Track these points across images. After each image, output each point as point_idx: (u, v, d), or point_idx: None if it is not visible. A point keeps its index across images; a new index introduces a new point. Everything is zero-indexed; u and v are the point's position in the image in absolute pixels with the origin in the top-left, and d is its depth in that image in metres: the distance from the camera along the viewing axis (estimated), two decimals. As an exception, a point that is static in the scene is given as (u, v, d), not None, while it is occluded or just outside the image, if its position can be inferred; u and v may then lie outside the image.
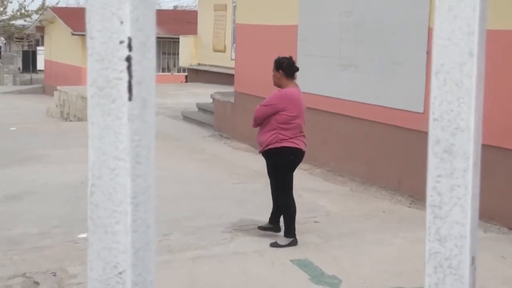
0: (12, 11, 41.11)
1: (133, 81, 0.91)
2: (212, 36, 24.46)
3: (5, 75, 41.51)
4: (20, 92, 35.58)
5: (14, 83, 40.94)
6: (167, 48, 33.68)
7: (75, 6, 47.41)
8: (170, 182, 9.61)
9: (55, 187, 9.12)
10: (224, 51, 23.50)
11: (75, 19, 32.55)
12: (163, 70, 34.08)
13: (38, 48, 45.94)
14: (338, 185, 9.80)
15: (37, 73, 42.63)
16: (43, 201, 8.37)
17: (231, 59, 19.15)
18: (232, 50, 20.13)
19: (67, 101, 22.56)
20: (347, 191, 9.46)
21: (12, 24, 42.67)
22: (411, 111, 8.84)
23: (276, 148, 6.74)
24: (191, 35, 26.36)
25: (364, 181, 9.77)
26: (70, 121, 21.50)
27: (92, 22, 0.92)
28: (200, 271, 6.22)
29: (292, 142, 6.72)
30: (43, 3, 28.30)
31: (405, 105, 8.98)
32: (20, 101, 30.12)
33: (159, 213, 7.77)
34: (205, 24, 25.16)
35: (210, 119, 14.59)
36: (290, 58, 6.97)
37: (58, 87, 24.46)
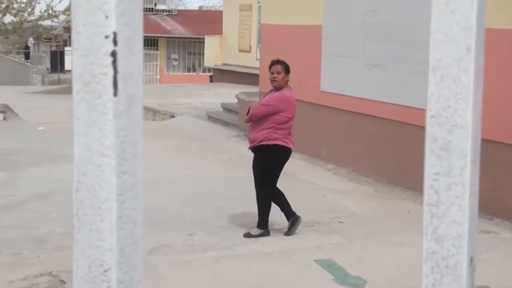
0: (40, 12, 41.52)
1: (119, 76, 0.89)
2: (237, 36, 24.48)
3: (34, 75, 41.94)
4: (49, 92, 35.88)
5: (43, 83, 41.35)
6: (192, 48, 33.76)
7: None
8: (195, 181, 9.63)
9: (81, 186, 9.16)
10: (249, 51, 23.50)
11: (102, 20, 32.81)
12: (189, 70, 34.15)
13: (66, 48, 46.34)
14: (363, 185, 9.74)
15: (65, 73, 43.00)
16: (70, 200, 8.37)
17: (256, 59, 19.15)
18: (257, 50, 20.13)
19: (94, 101, 22.73)
20: (372, 191, 9.40)
21: (40, 25, 43.10)
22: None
23: (268, 145, 7.04)
24: (216, 35, 26.41)
25: (389, 182, 9.70)
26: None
27: (77, 17, 0.90)
28: (224, 271, 6.21)
29: (283, 141, 7.05)
30: (70, 4, 28.54)
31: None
32: (48, 101, 30.38)
33: (184, 213, 7.79)
34: (230, 24, 25.19)
35: (235, 119, 14.59)
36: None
37: (85, 87, 24.65)
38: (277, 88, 7.15)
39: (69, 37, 41.76)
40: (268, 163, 7.14)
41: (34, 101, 29.84)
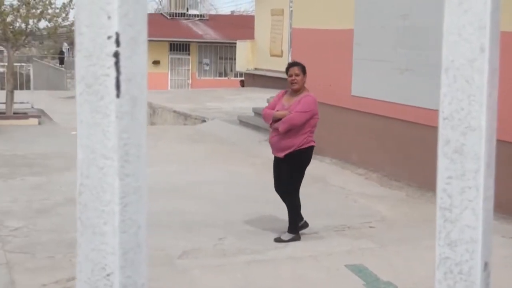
0: (74, 17, 42.02)
1: (122, 78, 0.89)
2: (269, 41, 24.51)
3: (68, 80, 42.38)
4: (82, 97, 36.29)
5: (76, 88, 41.86)
6: (224, 53, 33.87)
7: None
8: (225, 185, 9.66)
9: (113, 191, 9.24)
10: (281, 56, 23.52)
11: (134, 25, 33.09)
12: (220, 75, 34.26)
13: (99, 53, 46.80)
14: (394, 190, 9.68)
15: (98, 78, 43.48)
16: (102, 204, 8.49)
17: (288, 64, 19.16)
18: (289, 55, 20.11)
19: (127, 105, 22.90)
20: (403, 196, 9.34)
21: (74, 30, 43.68)
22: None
23: (305, 148, 7.06)
24: (248, 40, 26.48)
25: (420, 186, 9.63)
26: (130, 125, 21.83)
27: (80, 18, 0.90)
28: (255, 275, 6.22)
29: (314, 141, 7.18)
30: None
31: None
32: (82, 106, 30.71)
33: (214, 217, 7.81)
34: (262, 28, 25.23)
35: (265, 124, 14.59)
36: None
37: (118, 92, 24.86)
38: (297, 91, 7.15)
39: (103, 42, 42.22)
40: (305, 166, 7.18)
41: (68, 106, 30.13)
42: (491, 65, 0.90)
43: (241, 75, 30.65)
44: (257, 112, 15.82)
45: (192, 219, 8.00)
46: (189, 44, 33.48)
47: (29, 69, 21.29)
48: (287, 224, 7.77)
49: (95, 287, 0.91)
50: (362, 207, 8.61)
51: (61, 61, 49.95)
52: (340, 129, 11.68)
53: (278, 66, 22.94)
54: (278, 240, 7.20)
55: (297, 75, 7.12)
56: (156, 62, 32.80)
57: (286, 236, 7.24)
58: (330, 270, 6.39)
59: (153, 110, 19.91)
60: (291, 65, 7.32)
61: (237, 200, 8.86)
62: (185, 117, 17.65)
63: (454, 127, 0.92)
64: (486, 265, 0.94)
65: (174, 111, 18.48)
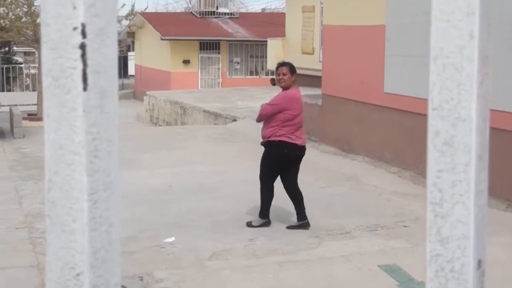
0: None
1: (89, 70, 0.87)
2: (300, 38, 24.46)
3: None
4: (112, 97, 36.55)
5: (107, 89, 42.16)
6: (254, 51, 33.88)
7: (164, 11, 48.22)
8: (256, 185, 9.65)
9: (143, 191, 9.31)
10: (312, 53, 23.45)
11: (164, 24, 33.18)
12: (251, 74, 34.26)
13: (129, 53, 47.09)
14: (428, 188, 9.61)
15: (128, 78, 43.70)
16: (132, 205, 8.56)
17: (319, 61, 19.09)
18: (320, 52, 20.06)
19: (156, 105, 23.02)
20: (438, 194, 9.27)
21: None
22: (506, 112, 8.58)
23: (274, 141, 7.58)
24: (279, 38, 26.44)
25: (455, 184, 9.53)
26: (159, 125, 21.94)
27: (46, 8, 0.88)
28: (286, 276, 6.22)
29: (288, 137, 7.55)
30: (133, 9, 29.00)
31: (499, 106, 8.72)
32: (112, 106, 30.96)
33: (245, 217, 7.82)
34: (293, 26, 25.19)
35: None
36: None
37: (148, 92, 25.00)
38: (285, 88, 7.68)
39: (132, 42, 42.44)
40: (272, 158, 7.67)
41: (98, 107, 30.42)
42: (481, 52, 0.88)
43: (272, 73, 30.59)
44: (288, 111, 15.80)
45: (223, 219, 8.02)
46: (219, 43, 33.55)
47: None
48: (318, 224, 7.78)
49: (65, 287, 0.90)
50: (395, 206, 8.56)
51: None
52: (372, 127, 11.62)
53: (310, 64, 22.87)
54: (248, 225, 7.75)
55: (284, 74, 7.65)
56: (186, 61, 32.93)
57: (257, 221, 7.78)
58: (363, 270, 6.37)
59: (183, 110, 20.00)
60: (280, 65, 7.85)
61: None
62: (216, 117, 17.69)
63: (443, 117, 0.89)
64: (479, 263, 0.91)
65: (205, 111, 18.54)
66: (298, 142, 7.63)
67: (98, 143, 0.89)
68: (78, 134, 0.88)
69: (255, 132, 14.79)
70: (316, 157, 12.00)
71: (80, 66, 0.87)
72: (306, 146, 7.87)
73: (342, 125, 12.58)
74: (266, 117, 7.67)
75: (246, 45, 33.82)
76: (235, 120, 16.71)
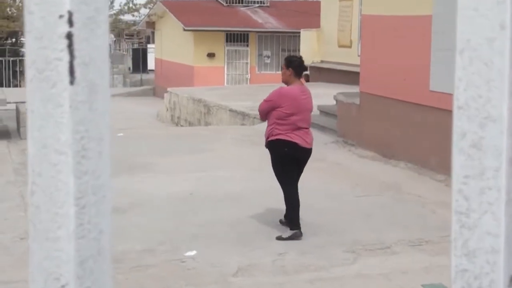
0: (120, 5, 42.52)
1: (76, 62, 0.86)
2: (337, 30, 24.42)
3: (115, 76, 42.89)
4: (129, 94, 36.76)
5: (124, 84, 42.29)
6: (286, 43, 33.85)
7: (188, -1, 48.33)
8: (287, 194, 9.65)
9: (162, 199, 9.35)
10: (350, 46, 23.41)
11: (187, 13, 33.28)
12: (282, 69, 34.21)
13: (149, 45, 47.34)
14: (479, 198, 9.53)
15: (147, 73, 43.92)
16: (149, 215, 8.60)
17: (358, 55, 19.04)
18: (359, 45, 19.99)
19: (178, 103, 23.12)
20: (490, 205, 9.18)
21: (120, 20, 44.05)
22: None
23: (272, 140, 7.80)
24: (313, 29, 26.44)
25: (509, 195, 9.44)
26: (181, 126, 22.03)
27: None
28: (318, 295, 6.20)
29: (287, 135, 7.73)
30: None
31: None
32: (129, 104, 31.10)
33: (273, 229, 7.81)
34: (329, 16, 25.16)
35: (332, 123, 14.55)
36: (300, 58, 8.21)
37: (169, 89, 25.11)
38: (285, 84, 7.94)
39: (152, 33, 42.71)
40: (275, 159, 7.88)
41: (114, 104, 30.46)
42: None
43: (305, 68, 30.53)
44: (323, 111, 15.77)
45: (250, 231, 8.02)
46: (247, 34, 33.60)
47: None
48: (355, 237, 7.75)
49: None
50: (441, 219, 8.48)
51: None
52: (416, 129, 11.54)
53: (347, 58, 22.83)
54: (279, 238, 7.72)
55: (282, 68, 8.03)
56: (210, 55, 33.00)
57: (287, 233, 7.76)
58: (404, 290, 6.32)
59: (207, 109, 20.06)
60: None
61: (301, 211, 8.84)
62: (243, 117, 17.69)
63: (470, 117, 0.88)
64: (511, 280, 0.89)
65: (231, 110, 18.56)
66: (298, 141, 7.77)
67: (86, 142, 0.88)
68: (64, 132, 0.87)
69: (286, 134, 14.81)
70: (353, 162, 11.95)
71: (66, 57, 0.87)
72: (311, 150, 8.02)
73: (382, 127, 12.52)
74: (263, 114, 7.95)
75: (277, 37, 33.82)
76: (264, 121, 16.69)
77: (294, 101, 7.75)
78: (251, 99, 20.44)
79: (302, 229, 7.86)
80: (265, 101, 7.92)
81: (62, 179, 0.88)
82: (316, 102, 17.34)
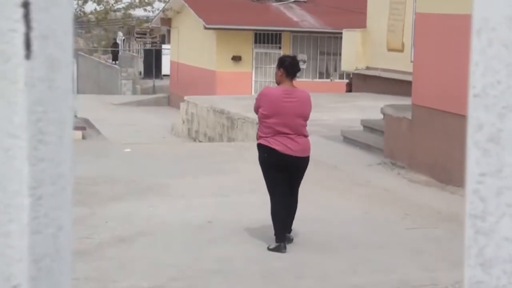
0: None
1: (34, 34, 0.85)
2: (386, 30, 24.38)
3: (123, 82, 43.10)
4: (140, 103, 36.94)
5: (134, 92, 42.52)
6: (326, 46, 33.85)
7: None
8: (323, 224, 9.62)
9: (175, 227, 9.36)
10: (401, 50, 23.35)
11: (208, 9, 33.33)
12: (320, 76, 34.22)
13: (163, 46, 47.52)
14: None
15: (161, 78, 44.09)
16: (159, 245, 8.60)
17: (411, 61, 18.99)
18: (412, 49, 19.97)
19: (196, 115, 23.18)
20: None
21: (130, 15, 44.26)
22: None
23: (257, 144, 8.61)
24: (358, 29, 26.40)
25: None
26: (199, 141, 22.08)
27: None
28: None
29: (266, 140, 8.36)
30: None
31: None
32: (140, 115, 31.29)
33: (308, 266, 7.80)
34: (377, 14, 25.14)
35: (379, 141, 14.50)
36: (294, 58, 9.08)
37: (186, 97, 25.15)
38: (278, 85, 8.65)
39: (168, 31, 42.90)
40: (261, 165, 8.63)
41: (122, 115, 30.75)
42: None
43: (348, 76, 30.50)
44: (368, 126, 15.75)
45: (277, 267, 8.00)
46: (280, 34, 33.64)
47: (72, 67, 22.02)
48: (404, 277, 7.73)
49: None
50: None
51: (115, 56, 51.05)
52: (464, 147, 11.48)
53: (398, 64, 22.77)
54: (269, 249, 8.43)
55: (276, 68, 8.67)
56: (236, 58, 33.05)
57: (272, 244, 8.46)
58: None
59: (231, 122, 20.10)
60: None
61: (337, 243, 8.82)
62: (273, 131, 17.71)
63: (488, 107, 0.87)
64: None
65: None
66: (278, 148, 8.30)
67: (45, 125, 0.88)
68: (18, 113, 0.87)
69: (326, 153, 14.79)
70: (403, 188, 11.89)
71: (22, 28, 0.86)
72: (303, 159, 8.50)
73: (438, 147, 12.45)
74: (255, 112, 8.71)
75: (315, 38, 33.83)
76: (298, 137, 16.70)
77: (272, 103, 8.35)
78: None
79: (344, 267, 7.83)
80: (256, 99, 8.74)
81: (15, 166, 0.87)
82: (359, 115, 17.41)
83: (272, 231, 8.54)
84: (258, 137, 8.53)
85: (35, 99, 0.86)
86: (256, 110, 8.60)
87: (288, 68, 8.48)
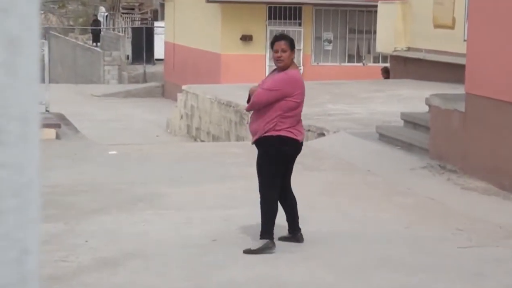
0: None
1: None
2: (433, 2, 24.35)
3: (107, 68, 43.17)
4: (128, 94, 37.04)
5: (120, 81, 42.61)
6: (357, 22, 33.85)
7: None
8: (356, 241, 9.62)
9: (173, 247, 9.35)
10: (452, 27, 23.32)
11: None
12: (350, 59, 34.22)
13: (156, 24, 47.59)
14: None
15: (154, 64, 44.17)
16: (154, 269, 8.59)
17: (464, 40, 18.96)
18: (466, 26, 19.94)
19: (197, 108, 23.20)
20: None
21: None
22: None
23: (272, 137, 9.04)
24: (397, 1, 26.39)
25: None
26: (201, 141, 22.09)
27: None
28: None
29: (289, 131, 9.09)
30: None
31: None
32: (128, 109, 31.38)
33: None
34: (420, -18, 25.10)
35: (423, 139, 14.48)
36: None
37: (184, 87, 25.16)
38: (283, 69, 9.21)
39: (162, 5, 42.96)
40: (273, 157, 9.14)
41: (105, 109, 30.82)
42: None
43: (384, 59, 30.48)
44: (409, 121, 15.72)
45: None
46: (300, 8, 33.65)
47: (43, 50, 21.77)
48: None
49: None
50: None
51: (96, 37, 51.14)
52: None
53: (447, 45, 22.72)
54: (247, 251, 9.04)
55: (283, 51, 9.15)
56: (246, 38, 33.04)
57: (257, 244, 9.08)
58: None
59: (239, 117, 20.10)
60: (277, 38, 9.44)
61: (374, 263, 8.81)
62: (292, 128, 17.70)
63: None
64: None
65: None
66: (299, 138, 9.23)
67: (4, 122, 0.87)
68: None
69: (358, 154, 14.78)
70: (454, 197, 11.87)
71: None
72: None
73: (499, 146, 12.41)
74: (261, 106, 9.11)
75: (343, 12, 33.85)
76: (323, 135, 16.70)
77: (303, 88, 9.22)
78: (305, 103, 20.42)
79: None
80: (268, 90, 9.09)
81: None
82: (398, 108, 17.42)
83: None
84: (277, 130, 9.00)
85: None
86: (273, 100, 8.98)
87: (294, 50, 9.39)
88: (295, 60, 9.43)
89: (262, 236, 9.09)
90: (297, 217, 9.40)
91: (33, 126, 0.88)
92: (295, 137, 9.13)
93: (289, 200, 9.40)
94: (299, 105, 9.17)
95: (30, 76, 0.88)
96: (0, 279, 0.85)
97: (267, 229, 9.11)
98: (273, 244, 9.07)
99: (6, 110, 0.86)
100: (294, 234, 9.39)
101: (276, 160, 9.15)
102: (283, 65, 9.18)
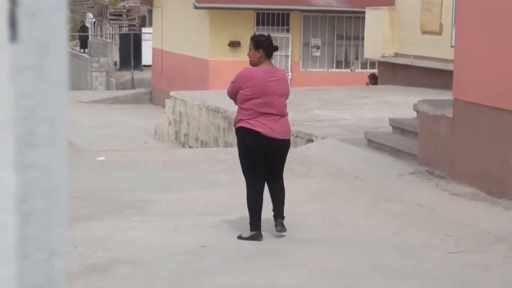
0: None
1: (20, 11, 0.84)
2: (420, 9, 24.40)
3: (94, 74, 43.21)
4: (116, 100, 37.05)
5: (108, 87, 42.63)
6: (345, 29, 33.91)
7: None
8: (345, 247, 9.62)
9: (161, 253, 9.35)
10: (439, 33, 23.38)
11: (199, -16, 33.37)
12: (338, 65, 34.28)
13: (144, 30, 47.64)
14: None
15: (142, 70, 44.22)
16: (142, 276, 8.59)
17: (452, 46, 19.01)
18: (453, 31, 20.00)
19: (186, 115, 23.22)
20: None
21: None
22: None
23: (236, 128, 9.90)
24: (384, 7, 26.45)
25: None
26: (189, 147, 22.08)
27: None
28: None
29: (248, 123, 9.59)
30: None
31: None
32: (115, 115, 31.37)
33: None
34: (408, -12, 25.16)
35: (411, 145, 14.51)
36: (269, 37, 10.21)
37: (172, 93, 25.18)
38: (255, 66, 9.92)
39: (150, 11, 42.98)
40: (241, 149, 9.79)
41: (93, 116, 30.82)
42: None
43: (372, 65, 30.51)
44: (397, 126, 15.75)
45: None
46: (288, 15, 33.69)
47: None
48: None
49: None
50: None
51: (83, 43, 51.17)
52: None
53: (435, 51, 22.77)
54: (239, 237, 9.73)
55: (249, 50, 10.01)
56: (234, 44, 33.05)
57: (247, 233, 9.72)
58: None
59: (228, 123, 20.11)
60: (250, 38, 10.27)
61: (363, 271, 8.82)
62: (280, 134, 17.72)
63: None
64: None
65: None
66: (262, 130, 9.53)
67: (34, 125, 0.87)
68: (1, 109, 0.86)
69: (347, 160, 14.80)
70: (443, 203, 11.88)
71: (5, 3, 0.85)
72: (287, 141, 10.02)
73: (487, 152, 12.42)
74: (230, 97, 10.07)
75: (331, 18, 33.88)
76: (311, 141, 16.71)
77: (257, 84, 9.66)
78: (292, 109, 20.43)
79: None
80: (231, 82, 10.01)
81: None
82: (387, 114, 17.44)
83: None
84: (238, 121, 9.71)
85: (22, 92, 0.85)
86: (234, 93, 9.87)
87: (268, 48, 9.92)
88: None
89: (250, 228, 9.68)
90: (282, 205, 9.84)
91: (61, 129, 0.89)
92: (253, 128, 9.52)
93: (277, 189, 9.90)
94: (250, 98, 9.60)
95: (59, 80, 0.90)
96: (29, 279, 0.86)
97: (252, 222, 9.66)
98: (260, 235, 9.64)
99: (36, 112, 0.86)
100: (275, 219, 9.75)
101: (245, 153, 9.73)
102: (250, 63, 10.04)
